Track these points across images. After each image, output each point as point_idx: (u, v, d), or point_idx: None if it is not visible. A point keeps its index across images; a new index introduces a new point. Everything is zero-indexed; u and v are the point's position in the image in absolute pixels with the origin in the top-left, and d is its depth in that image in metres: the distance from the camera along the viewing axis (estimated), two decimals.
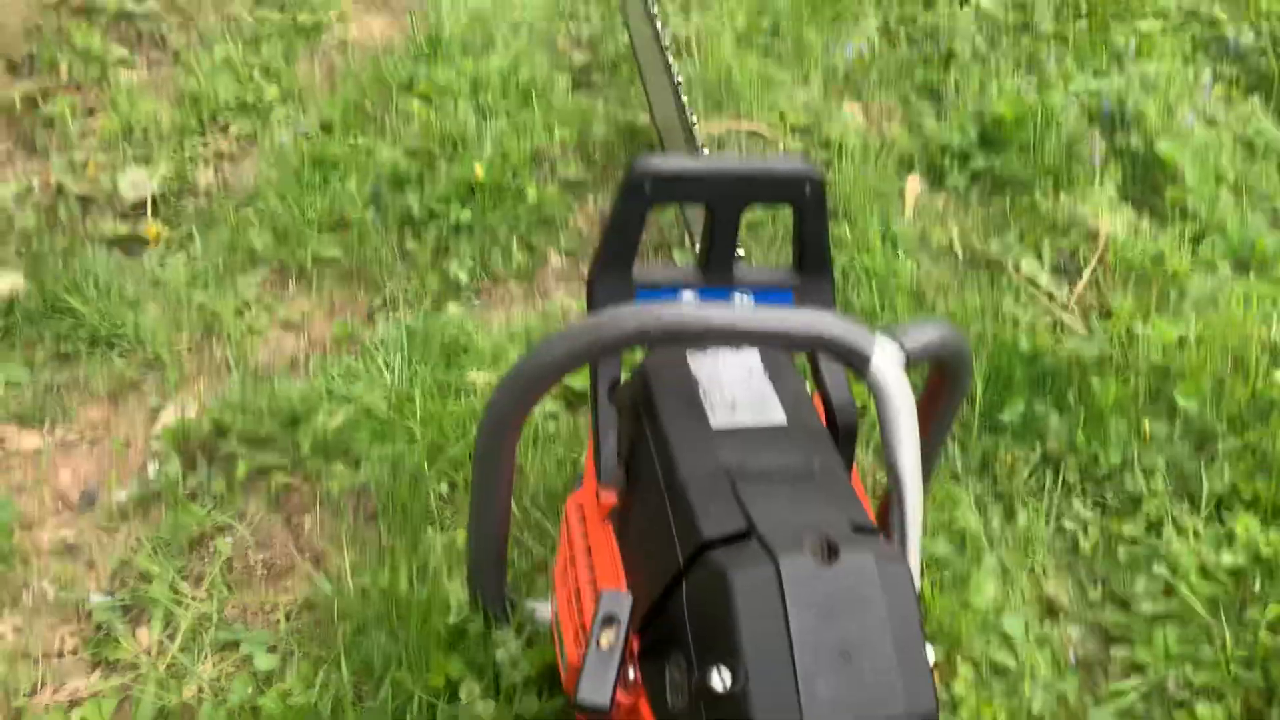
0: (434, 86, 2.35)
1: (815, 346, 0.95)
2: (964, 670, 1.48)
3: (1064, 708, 1.48)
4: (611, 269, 1.15)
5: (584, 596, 1.11)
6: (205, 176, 2.22)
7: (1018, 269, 2.06)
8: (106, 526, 1.67)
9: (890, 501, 1.03)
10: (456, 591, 1.43)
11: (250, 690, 1.45)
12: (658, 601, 0.94)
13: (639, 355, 1.44)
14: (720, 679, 0.79)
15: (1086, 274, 2.05)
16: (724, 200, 1.13)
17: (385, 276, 2.03)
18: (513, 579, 1.55)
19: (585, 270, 2.02)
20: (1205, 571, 1.58)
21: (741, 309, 0.94)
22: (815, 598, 0.81)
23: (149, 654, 1.51)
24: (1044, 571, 1.64)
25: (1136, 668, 1.52)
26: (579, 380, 1.82)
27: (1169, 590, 1.57)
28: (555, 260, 2.10)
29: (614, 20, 2.59)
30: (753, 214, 2.17)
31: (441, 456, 1.69)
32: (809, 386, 1.17)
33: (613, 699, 0.86)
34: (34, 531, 1.67)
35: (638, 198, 1.10)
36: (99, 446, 1.78)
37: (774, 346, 0.95)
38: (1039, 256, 2.09)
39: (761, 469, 0.98)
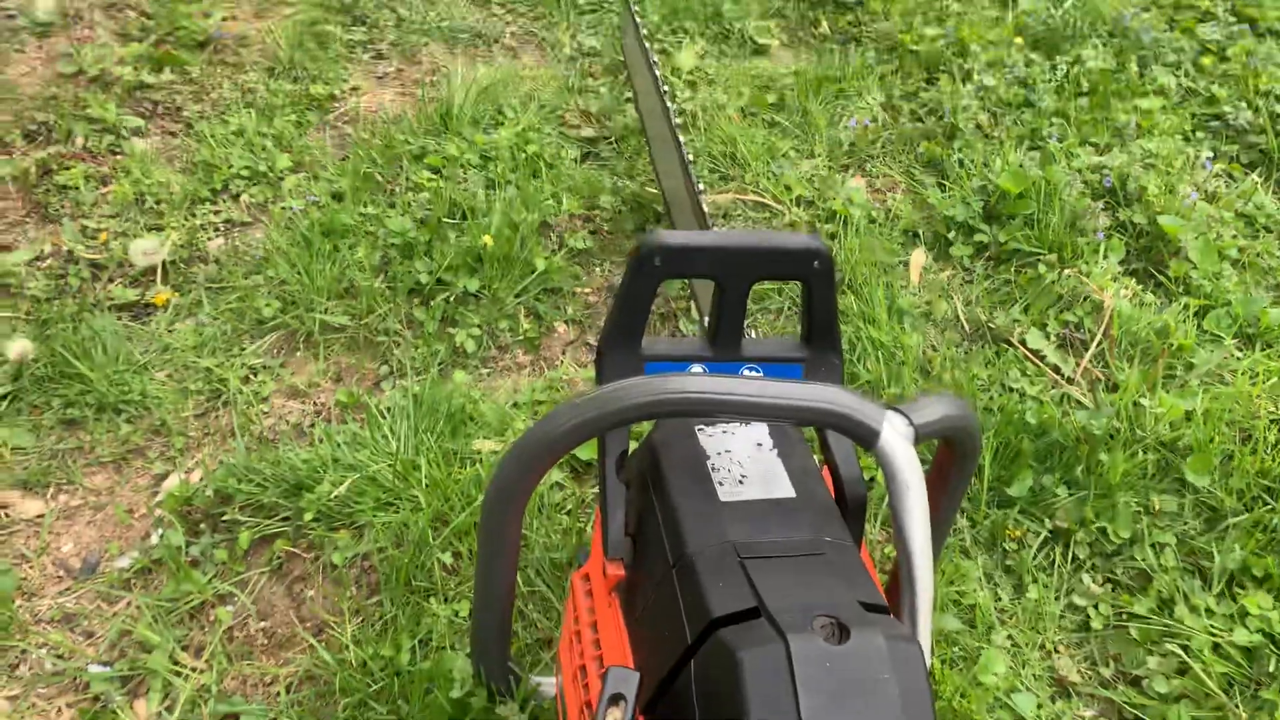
0: (444, 157, 2.38)
1: (824, 422, 0.94)
2: None
3: None
4: (621, 341, 1.15)
5: (589, 673, 1.09)
6: (215, 244, 2.24)
7: (1023, 342, 2.06)
8: (107, 595, 1.65)
9: (900, 577, 1.02)
10: (460, 665, 1.41)
11: None
12: (665, 680, 0.92)
13: (647, 427, 1.44)
14: None
15: (1092, 348, 2.05)
16: (733, 275, 1.14)
17: (392, 344, 2.04)
18: (517, 652, 1.53)
19: (592, 339, 2.03)
20: (1219, 650, 1.55)
21: (750, 383, 0.94)
22: (826, 679, 0.79)
23: None
24: (1055, 648, 1.61)
25: None
26: (586, 449, 1.81)
27: (1183, 669, 1.55)
28: (562, 329, 2.11)
29: (622, 94, 2.63)
30: (759, 285, 2.19)
31: (446, 526, 1.68)
32: (817, 459, 1.17)
33: None
34: (33, 600, 1.65)
35: (647, 272, 1.10)
36: (102, 513, 1.77)
37: (782, 421, 0.95)
38: (1044, 329, 2.10)
39: (770, 544, 0.97)
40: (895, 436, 0.95)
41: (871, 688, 0.80)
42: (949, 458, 1.12)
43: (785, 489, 1.06)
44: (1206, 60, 2.82)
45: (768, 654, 0.81)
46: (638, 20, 2.44)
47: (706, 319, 1.24)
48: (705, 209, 1.93)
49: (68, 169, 2.35)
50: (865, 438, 0.95)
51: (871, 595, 0.94)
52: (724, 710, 0.81)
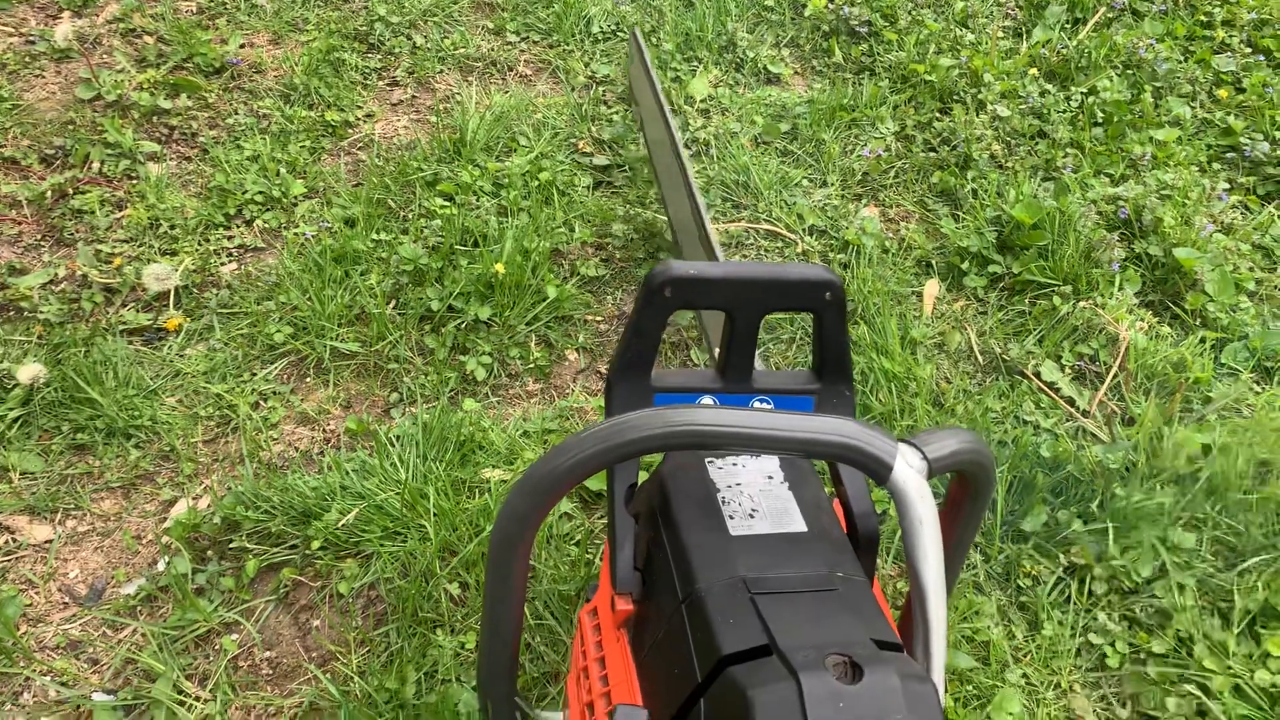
0: (457, 184, 2.38)
1: (836, 455, 0.93)
2: None
3: None
4: (630, 372, 1.14)
5: (597, 710, 1.08)
6: (228, 269, 2.24)
7: (1038, 375, 2.04)
8: (112, 622, 1.64)
9: (913, 613, 1.00)
10: (466, 699, 1.39)
11: None
12: (674, 718, 0.91)
13: (656, 459, 1.42)
14: None
15: (1108, 381, 2.03)
16: (743, 306, 1.13)
17: (403, 372, 2.03)
18: (523, 686, 1.51)
19: (603, 367, 2.02)
20: (1239, 691, 1.52)
21: (760, 415, 0.93)
22: (838, 718, 0.78)
23: None
24: (1070, 687, 1.59)
25: None
26: (595, 480, 1.80)
27: (1202, 710, 1.52)
28: (573, 357, 2.10)
29: (635, 123, 2.63)
30: (771, 316, 2.18)
31: (454, 556, 1.67)
32: (829, 492, 1.15)
33: None
34: (39, 626, 1.64)
35: (658, 303, 1.09)
36: (109, 539, 1.77)
37: (794, 454, 0.93)
38: (1059, 362, 2.08)
39: (781, 580, 0.96)
40: (909, 470, 0.93)
41: None
42: (963, 492, 1.11)
43: (797, 523, 1.04)
44: (1222, 92, 2.81)
45: (779, 693, 0.79)
46: (644, 49, 2.44)
47: (717, 350, 1.23)
48: (714, 242, 1.92)
49: (84, 193, 2.36)
50: (878, 472, 0.93)
51: (885, 632, 0.92)
52: None
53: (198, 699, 1.54)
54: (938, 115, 2.71)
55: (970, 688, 1.55)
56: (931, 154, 2.60)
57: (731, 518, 1.04)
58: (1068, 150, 2.61)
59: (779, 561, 0.99)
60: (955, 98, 2.75)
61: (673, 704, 0.91)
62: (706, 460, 1.12)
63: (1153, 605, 1.66)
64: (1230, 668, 1.54)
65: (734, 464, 1.12)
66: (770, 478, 1.10)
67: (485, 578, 1.11)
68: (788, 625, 0.88)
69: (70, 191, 2.37)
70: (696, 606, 0.94)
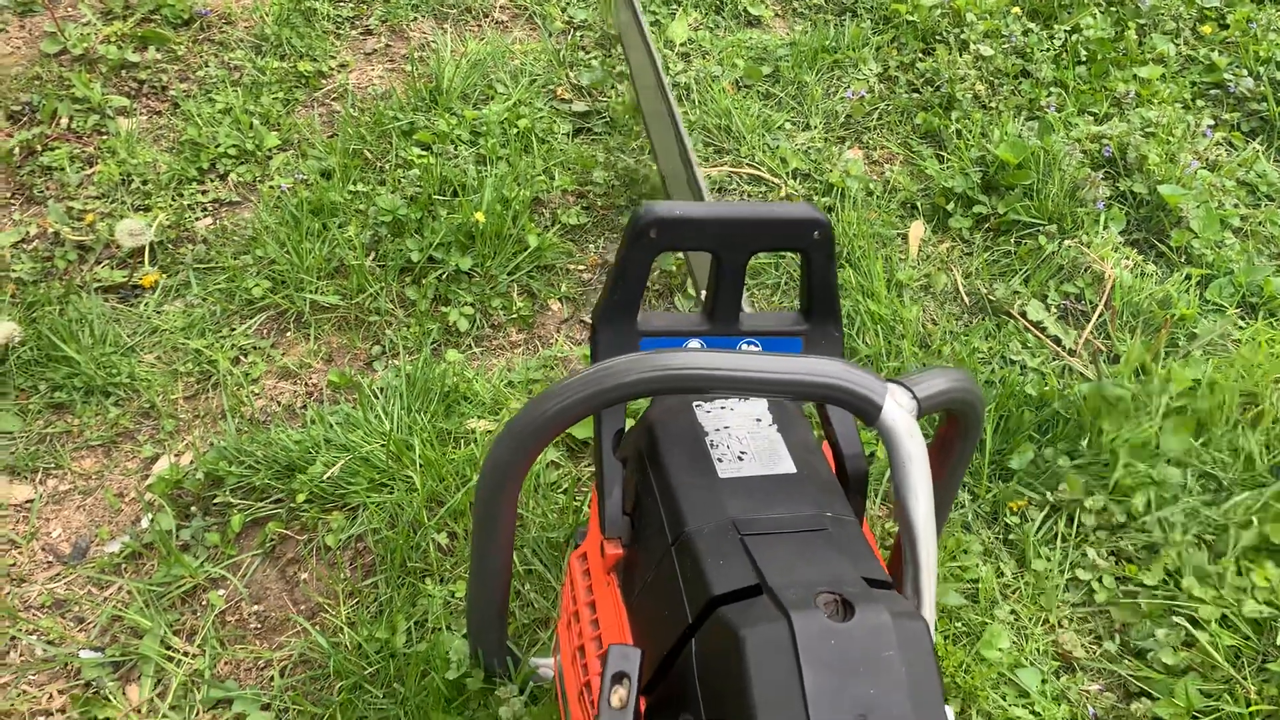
0: (434, 133, 2.34)
1: (825, 396, 0.92)
2: None
3: None
4: (616, 317, 1.12)
5: (588, 653, 1.07)
6: (203, 224, 2.20)
7: (1024, 315, 2.04)
8: (97, 580, 1.63)
9: (902, 552, 0.99)
10: (456, 646, 1.39)
11: None
12: (665, 659, 0.90)
13: (644, 405, 1.41)
14: None
15: (1093, 319, 2.02)
16: (730, 247, 1.11)
17: (384, 324, 2.01)
18: (514, 632, 1.51)
19: (587, 317, 2.00)
20: (1227, 622, 1.54)
21: (748, 358, 0.91)
22: (830, 656, 0.77)
23: (139, 712, 1.47)
24: (1059, 623, 1.60)
25: None
26: (582, 427, 1.79)
27: (1189, 641, 1.53)
28: (556, 307, 2.08)
29: (614, 68, 2.59)
30: (756, 260, 2.16)
31: (441, 506, 1.66)
32: (818, 435, 1.14)
33: None
34: (23, 586, 1.63)
35: (643, 244, 1.07)
36: (91, 497, 1.75)
37: (782, 396, 0.92)
38: (1045, 301, 2.07)
39: (771, 520, 0.95)
40: (898, 410, 0.93)
41: (877, 665, 0.78)
42: (953, 431, 1.10)
43: (786, 464, 1.03)
44: (1206, 28, 2.78)
45: (770, 632, 0.78)
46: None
47: (703, 293, 1.22)
48: (702, 184, 1.90)
49: (53, 150, 2.31)
50: (867, 412, 0.92)
51: (875, 571, 0.92)
52: (726, 689, 0.79)
53: (185, 654, 1.53)
54: (921, 56, 2.68)
55: (959, 624, 1.56)
56: (915, 95, 2.57)
57: (720, 460, 1.03)
58: (1051, 89, 2.59)
59: (768, 502, 0.98)
60: (938, 38, 2.71)
61: (664, 645, 0.91)
62: (694, 404, 1.11)
63: (1141, 540, 1.67)
64: (1221, 597, 1.55)
65: (722, 408, 1.11)
66: (759, 420, 1.09)
67: (473, 525, 1.10)
68: (778, 565, 0.88)
69: (39, 148, 2.32)
70: (686, 548, 0.93)
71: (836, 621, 0.79)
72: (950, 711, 0.81)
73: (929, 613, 0.99)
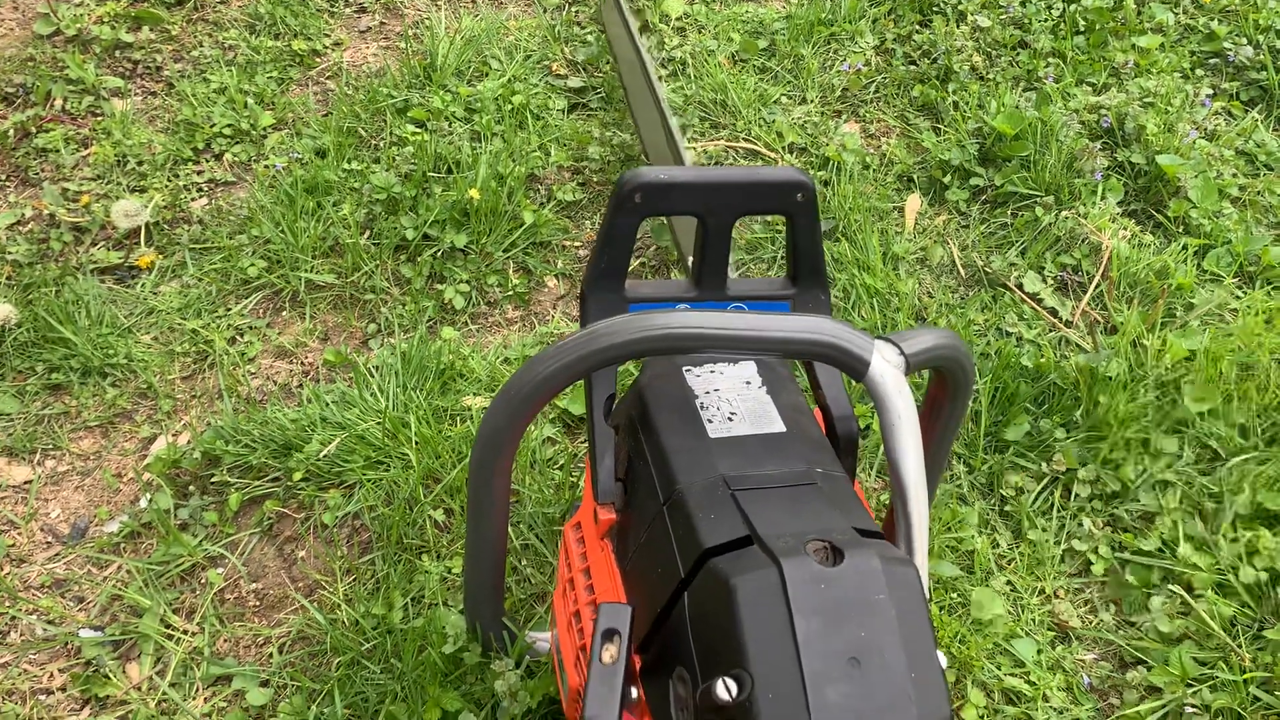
0: (428, 110, 2.33)
1: (813, 353, 0.92)
2: (975, 696, 1.44)
3: None
4: (604, 283, 1.12)
5: (584, 617, 1.08)
6: (199, 204, 2.20)
7: (1020, 286, 2.03)
8: (96, 560, 1.64)
9: (894, 508, 1.00)
10: (453, 621, 1.39)
11: None
12: (660, 616, 0.91)
13: (635, 375, 1.41)
14: (726, 689, 0.76)
15: (1090, 290, 2.02)
16: (716, 211, 1.11)
17: (379, 302, 2.00)
18: (511, 607, 1.51)
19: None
20: (1222, 590, 1.54)
21: (736, 317, 0.92)
22: (821, 602, 0.78)
23: (139, 690, 1.47)
24: (1055, 593, 1.60)
25: (1153, 691, 1.48)
26: (577, 404, 1.79)
27: (1185, 610, 1.53)
28: (552, 284, 2.08)
29: (609, 44, 2.58)
30: (750, 233, 2.15)
31: (437, 483, 1.66)
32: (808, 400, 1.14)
33: (620, 717, 0.83)
34: (23, 566, 1.64)
35: (629, 210, 1.07)
36: (90, 478, 1.75)
37: (772, 354, 0.92)
38: (1041, 272, 2.06)
39: (761, 476, 0.96)
40: (886, 366, 0.93)
41: (867, 608, 0.78)
42: (942, 390, 1.10)
43: (776, 424, 1.04)
44: None
45: (761, 579, 0.79)
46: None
47: (690, 261, 1.21)
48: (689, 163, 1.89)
49: (47, 131, 2.31)
50: (855, 368, 0.92)
51: (865, 522, 0.92)
52: (719, 639, 0.80)
53: (185, 632, 1.54)
54: (917, 27, 2.66)
55: (955, 595, 1.56)
56: (912, 67, 2.55)
57: (710, 421, 1.03)
58: (1049, 60, 2.57)
59: (759, 460, 0.98)
60: (935, 9, 2.69)
61: (658, 602, 0.91)
62: (684, 369, 1.11)
63: (1137, 510, 1.67)
64: (1217, 564, 1.55)
65: (712, 371, 1.12)
66: (748, 383, 1.09)
67: (467, 497, 1.10)
68: (768, 517, 0.88)
69: (33, 130, 2.32)
70: (678, 506, 0.94)
71: (826, 567, 0.80)
72: (941, 656, 0.81)
73: (921, 560, 0.99)
